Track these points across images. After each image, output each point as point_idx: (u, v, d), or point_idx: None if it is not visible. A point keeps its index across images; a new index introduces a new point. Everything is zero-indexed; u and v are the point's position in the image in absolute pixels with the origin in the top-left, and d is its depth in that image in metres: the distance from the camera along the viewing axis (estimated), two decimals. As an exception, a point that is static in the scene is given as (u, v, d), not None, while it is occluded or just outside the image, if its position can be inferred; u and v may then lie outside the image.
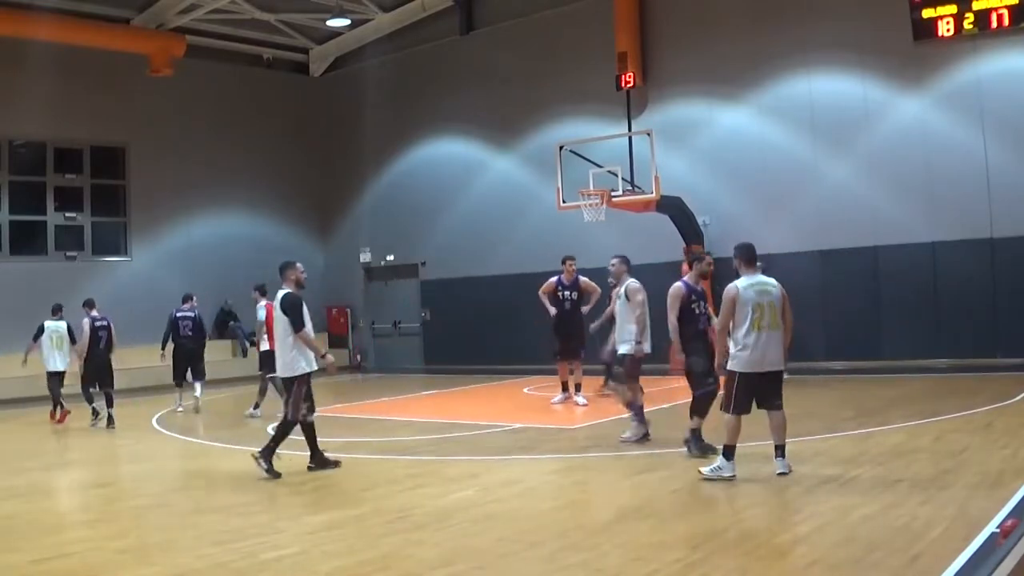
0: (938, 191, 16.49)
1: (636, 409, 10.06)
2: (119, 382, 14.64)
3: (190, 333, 15.52)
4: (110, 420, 13.73)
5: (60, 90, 20.32)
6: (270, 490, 8.57)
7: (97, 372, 14.14)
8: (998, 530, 5.56)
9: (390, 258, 24.39)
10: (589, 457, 9.60)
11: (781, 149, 18.25)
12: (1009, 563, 4.64)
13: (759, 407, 7.95)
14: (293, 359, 9.08)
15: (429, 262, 23.40)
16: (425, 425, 12.60)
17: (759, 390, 7.85)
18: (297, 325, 9.01)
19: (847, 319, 17.44)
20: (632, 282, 10.22)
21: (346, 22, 23.50)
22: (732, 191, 18.77)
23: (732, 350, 7.83)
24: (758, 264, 8.13)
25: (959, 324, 16.24)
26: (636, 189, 17.20)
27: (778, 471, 7.81)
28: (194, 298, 15.94)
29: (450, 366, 21.67)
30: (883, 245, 17.03)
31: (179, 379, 15.60)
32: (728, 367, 7.91)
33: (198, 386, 15.46)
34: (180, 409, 15.35)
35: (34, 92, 19.82)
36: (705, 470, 7.88)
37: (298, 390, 9.10)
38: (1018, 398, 11.70)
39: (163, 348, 15.57)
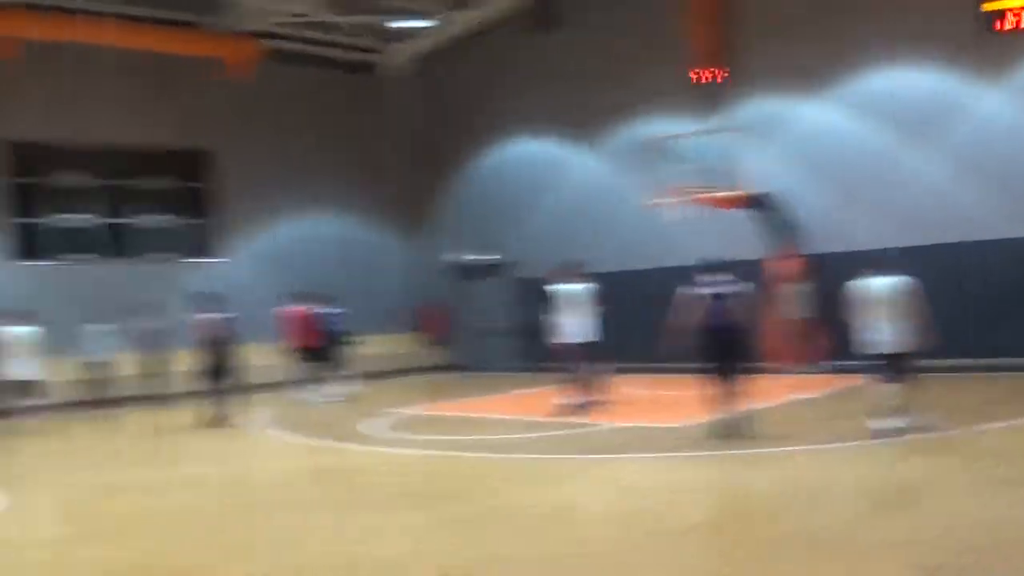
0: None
1: None
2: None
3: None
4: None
5: (149, 95, 21.32)
6: (381, 489, 8.73)
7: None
8: None
9: (481, 256, 24.28)
10: (700, 456, 9.45)
11: (865, 143, 17.81)
12: None
13: None
14: None
15: (520, 261, 23.31)
16: (529, 424, 12.55)
17: None
18: None
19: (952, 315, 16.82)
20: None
21: (424, 23, 23.68)
22: (818, 186, 18.39)
23: None
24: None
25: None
26: (722, 186, 17.04)
27: None
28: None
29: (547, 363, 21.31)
30: (969, 241, 16.44)
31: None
32: None
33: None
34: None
35: (126, 97, 20.89)
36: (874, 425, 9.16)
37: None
38: None
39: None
